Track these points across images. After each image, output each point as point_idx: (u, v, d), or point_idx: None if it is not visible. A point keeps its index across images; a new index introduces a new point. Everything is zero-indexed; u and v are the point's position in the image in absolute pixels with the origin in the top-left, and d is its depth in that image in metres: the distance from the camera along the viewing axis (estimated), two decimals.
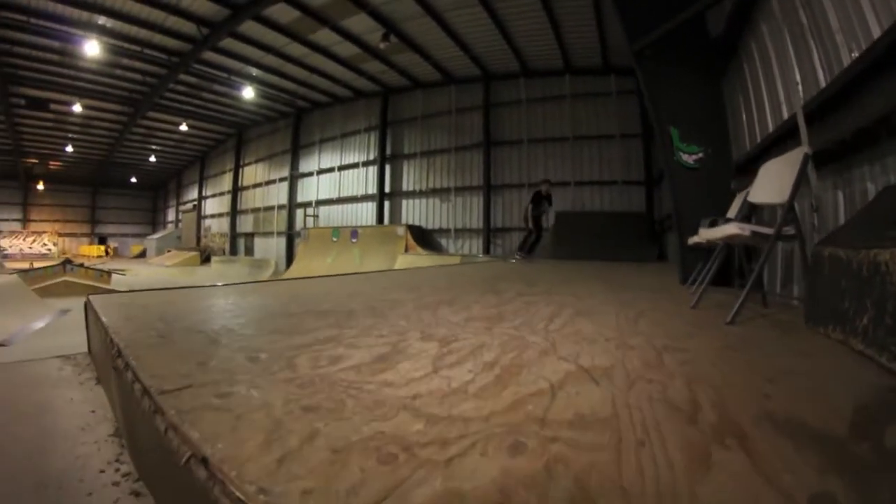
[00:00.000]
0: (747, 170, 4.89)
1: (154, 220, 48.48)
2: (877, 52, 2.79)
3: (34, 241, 40.54)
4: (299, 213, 26.57)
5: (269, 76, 21.20)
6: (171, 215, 44.50)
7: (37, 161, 35.95)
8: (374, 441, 1.05)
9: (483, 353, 1.94)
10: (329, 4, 14.95)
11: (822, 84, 3.80)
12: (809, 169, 2.82)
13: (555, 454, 0.99)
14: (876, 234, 1.99)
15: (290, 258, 25.51)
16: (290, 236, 26.83)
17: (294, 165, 27.03)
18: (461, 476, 0.89)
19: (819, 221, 3.73)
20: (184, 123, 27.94)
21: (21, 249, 38.83)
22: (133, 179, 43.39)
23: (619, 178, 16.87)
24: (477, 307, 3.37)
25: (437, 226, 20.87)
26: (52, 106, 23.73)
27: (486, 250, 18.51)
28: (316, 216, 25.55)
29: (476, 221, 19.56)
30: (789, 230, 2.81)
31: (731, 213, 4.38)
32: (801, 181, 2.62)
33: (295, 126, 26.90)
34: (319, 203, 25.68)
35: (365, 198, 23.32)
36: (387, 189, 22.43)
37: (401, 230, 19.54)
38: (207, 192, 36.40)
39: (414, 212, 21.65)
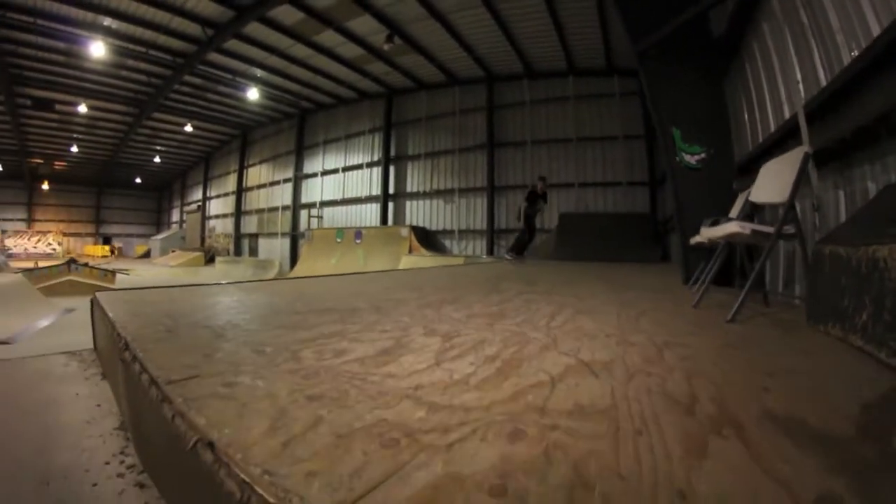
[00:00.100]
0: (749, 170, 4.90)
1: (158, 221, 48.61)
2: (876, 50, 2.81)
3: (39, 240, 40.71)
4: (303, 213, 26.66)
5: (273, 77, 21.29)
6: (175, 216, 44.63)
7: (42, 161, 36.11)
8: (376, 427, 1.07)
9: (485, 348, 1.96)
10: (333, 6, 15.01)
11: (823, 83, 3.82)
12: (810, 168, 2.83)
13: (554, 441, 1.01)
14: (875, 231, 2.01)
15: (294, 259, 25.59)
16: (295, 237, 26.91)
17: (298, 166, 27.10)
18: (461, 461, 0.91)
19: (820, 221, 3.74)
20: (188, 124, 28.05)
21: (26, 249, 39.01)
22: (138, 180, 43.58)
23: (623, 179, 16.88)
24: (479, 305, 3.38)
25: (440, 227, 20.89)
26: (58, 106, 23.87)
27: (490, 251, 18.53)
28: (320, 217, 25.60)
29: (480, 222, 19.58)
30: (790, 229, 2.82)
31: (733, 213, 4.38)
32: (801, 180, 2.63)
33: (299, 127, 26.98)
34: (323, 204, 25.75)
35: (369, 199, 23.39)
36: (391, 190, 22.49)
37: (405, 231, 19.57)
38: (212, 192, 36.51)
39: (418, 213, 21.69)
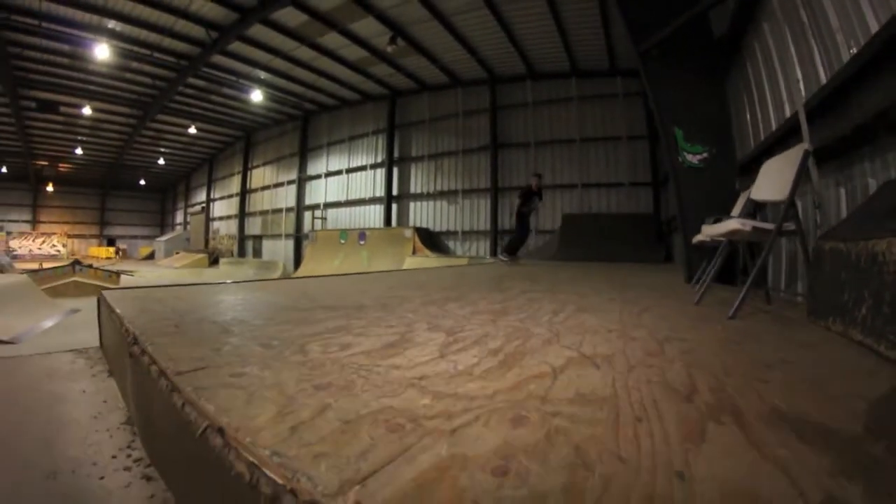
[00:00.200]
0: (751, 169, 4.92)
1: (162, 223, 48.72)
2: (874, 47, 2.83)
3: (43, 242, 40.83)
4: (307, 215, 26.68)
5: (277, 79, 21.32)
6: (179, 217, 44.70)
7: (47, 163, 36.24)
8: (382, 414, 1.09)
9: (488, 342, 1.98)
10: (337, 8, 15.04)
11: (824, 82, 3.84)
12: (811, 166, 2.86)
13: (555, 426, 1.04)
14: (874, 226, 2.03)
15: (297, 260, 25.60)
16: (298, 239, 26.93)
17: (302, 168, 27.15)
18: (465, 443, 0.93)
19: (821, 218, 3.76)
20: (192, 126, 28.08)
21: (30, 250, 39.14)
22: (142, 182, 43.71)
23: (626, 179, 16.87)
24: (483, 303, 3.41)
25: (444, 228, 20.91)
26: (62, 109, 23.91)
27: (494, 252, 18.49)
28: (324, 218, 25.63)
29: (483, 223, 19.59)
30: (790, 226, 2.84)
31: (735, 211, 4.39)
32: (801, 177, 2.65)
33: (303, 129, 27.03)
34: (327, 205, 25.78)
35: (373, 200, 23.41)
36: (394, 191, 22.52)
37: (408, 232, 19.57)
38: (216, 194, 36.57)
39: (421, 214, 21.71)
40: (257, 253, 30.37)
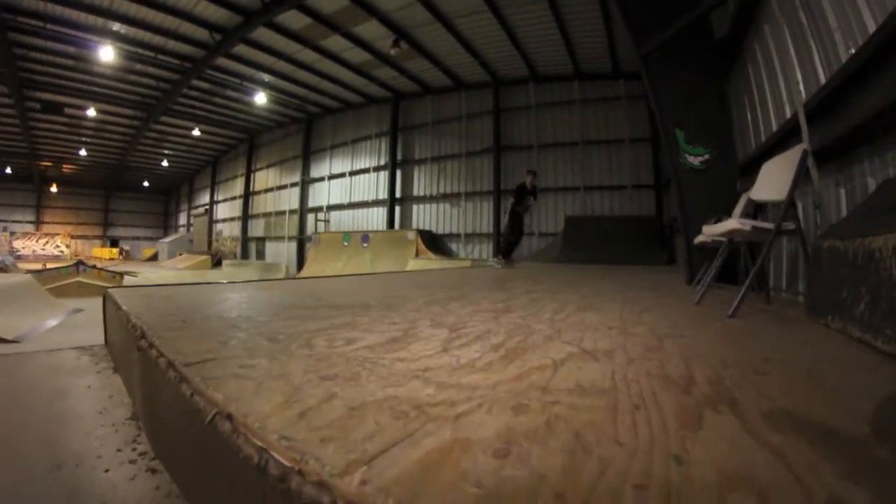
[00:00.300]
0: (752, 170, 4.94)
1: (166, 224, 48.84)
2: (872, 47, 2.86)
3: (47, 242, 40.95)
4: (310, 217, 26.70)
5: (280, 82, 21.39)
6: (182, 219, 44.80)
7: (51, 164, 36.39)
8: (387, 402, 1.12)
9: (490, 338, 2.01)
10: (340, 11, 15.09)
11: (823, 82, 3.86)
12: (811, 167, 2.88)
13: (555, 414, 1.06)
14: (872, 224, 2.05)
15: (300, 262, 25.63)
16: (302, 241, 26.97)
17: (305, 170, 27.20)
18: (468, 429, 0.96)
19: (821, 218, 3.78)
20: (196, 128, 28.17)
21: (34, 251, 39.27)
22: (146, 183, 43.85)
23: (629, 182, 16.85)
24: (485, 302, 3.43)
25: (447, 230, 20.91)
26: (67, 110, 24.01)
27: (497, 254, 18.51)
28: (327, 221, 25.66)
29: (486, 226, 19.59)
30: (789, 225, 2.86)
31: (736, 212, 4.41)
32: (800, 177, 2.68)
33: (306, 131, 27.09)
34: (331, 208, 25.81)
35: (376, 203, 23.43)
36: (398, 194, 22.52)
37: (411, 235, 19.57)
38: (219, 196, 36.66)
39: (424, 216, 21.73)
40: (260, 255, 30.42)
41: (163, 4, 14.90)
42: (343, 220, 25.04)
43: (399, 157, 22.63)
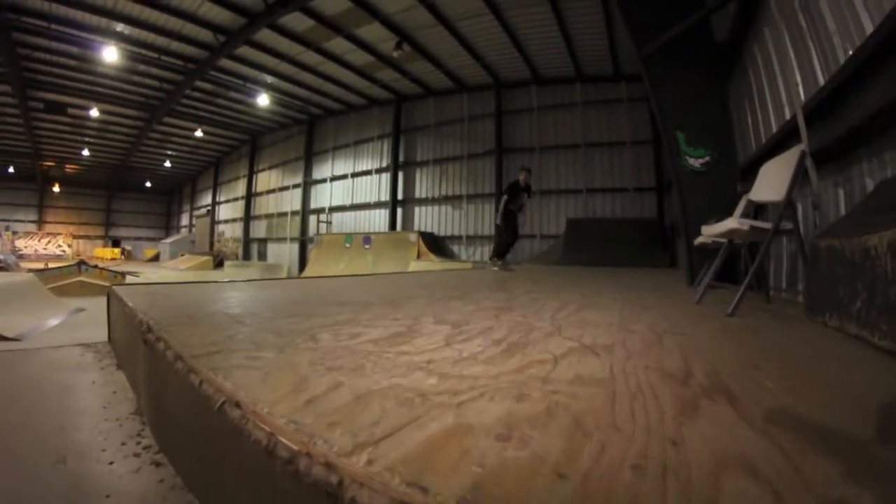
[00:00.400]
0: (752, 172, 4.97)
1: (168, 225, 48.87)
2: (869, 48, 2.89)
3: (49, 242, 41.00)
4: (312, 219, 26.70)
5: (283, 84, 21.41)
6: (184, 220, 44.82)
7: (54, 164, 36.46)
8: (392, 390, 1.15)
9: (492, 333, 2.04)
10: (343, 13, 15.12)
11: (822, 84, 3.90)
12: (810, 168, 2.91)
13: (555, 402, 1.09)
14: (868, 222, 2.08)
15: (302, 264, 25.63)
16: (303, 242, 26.98)
17: (307, 172, 27.21)
18: (471, 415, 0.99)
19: (820, 219, 3.81)
20: (199, 129, 28.20)
21: (36, 250, 39.30)
22: (148, 184, 43.92)
23: (631, 184, 16.85)
24: (487, 301, 3.45)
25: (449, 232, 20.91)
26: (70, 110, 24.08)
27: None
28: (329, 222, 25.68)
29: (488, 228, 19.56)
30: (787, 225, 2.89)
31: (736, 214, 4.44)
32: (798, 177, 2.71)
33: (309, 133, 27.11)
34: (332, 209, 25.82)
35: (378, 204, 23.44)
36: (399, 196, 22.52)
37: (413, 237, 19.57)
38: (221, 197, 36.68)
39: (426, 219, 21.73)
40: (262, 256, 30.44)
41: (167, 5, 14.94)
42: (345, 222, 25.06)
43: (401, 158, 22.64)
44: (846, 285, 2.12)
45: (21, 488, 1.28)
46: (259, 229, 31.33)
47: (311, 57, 18.29)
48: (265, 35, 16.66)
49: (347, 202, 25.02)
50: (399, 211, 22.43)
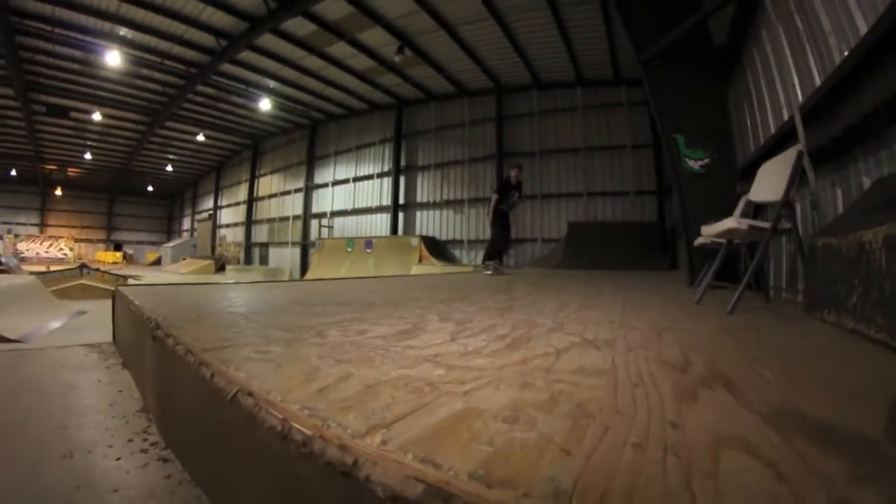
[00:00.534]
0: (752, 173, 5.01)
1: (169, 229, 48.90)
2: (864, 48, 2.94)
3: (51, 245, 41.03)
4: (314, 223, 26.76)
5: (285, 88, 21.49)
6: (186, 224, 44.88)
7: (55, 167, 36.56)
8: (401, 380, 1.19)
9: (496, 330, 2.08)
10: (345, 18, 15.21)
11: (818, 85, 3.95)
12: (808, 168, 2.94)
13: (559, 390, 1.13)
14: (864, 219, 2.12)
15: (304, 268, 25.65)
16: (305, 246, 27.03)
17: (309, 177, 27.28)
18: (478, 401, 1.03)
19: (819, 218, 3.85)
20: (201, 134, 28.29)
21: (38, 253, 39.33)
22: (150, 188, 44.05)
23: (631, 188, 16.90)
24: (489, 302, 3.48)
25: (450, 237, 20.96)
26: (73, 114, 24.11)
27: (500, 261, 18.46)
28: (331, 227, 25.73)
29: (489, 232, 19.54)
30: (786, 224, 2.93)
31: (735, 214, 4.47)
32: (795, 177, 2.75)
33: (311, 138, 27.19)
34: (334, 214, 25.88)
35: (379, 209, 23.50)
36: (401, 200, 22.58)
37: (415, 241, 19.60)
38: (223, 201, 36.74)
39: (428, 223, 21.78)
40: (264, 260, 30.47)
41: (169, 10, 15.03)
42: (347, 227, 25.10)
43: (402, 163, 22.72)
44: (843, 281, 2.15)
45: (29, 482, 1.30)
46: (261, 233, 31.38)
47: (313, 62, 18.37)
48: (267, 40, 16.73)
49: (349, 206, 25.07)
50: (401, 215, 22.49)
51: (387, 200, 23.05)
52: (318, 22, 15.46)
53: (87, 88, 21.59)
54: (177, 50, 17.65)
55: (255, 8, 14.87)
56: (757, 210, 4.40)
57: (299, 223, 27.64)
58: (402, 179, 22.70)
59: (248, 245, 31.99)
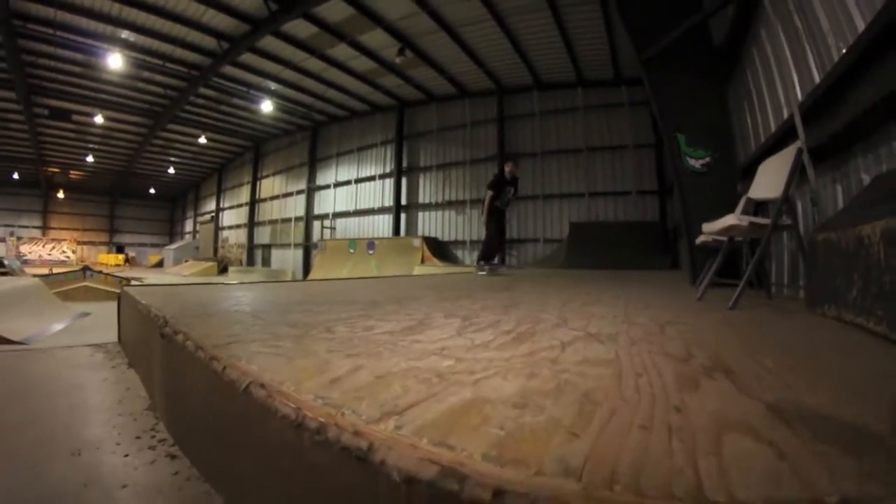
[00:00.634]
0: (752, 171, 5.04)
1: (171, 231, 49.01)
2: (861, 45, 2.97)
3: (53, 248, 41.19)
4: (316, 224, 26.86)
5: (287, 90, 21.58)
6: (188, 226, 44.97)
7: (58, 170, 36.69)
8: (411, 371, 1.21)
9: (501, 325, 2.11)
10: (346, 20, 15.27)
11: (817, 83, 3.98)
12: (808, 165, 2.97)
13: (565, 379, 1.16)
14: (862, 214, 2.15)
15: (306, 269, 25.74)
16: (307, 248, 27.11)
17: (311, 178, 27.37)
18: (487, 390, 1.05)
19: (819, 215, 3.88)
20: (202, 136, 28.36)
21: (40, 256, 39.49)
22: (152, 190, 44.16)
23: (633, 188, 16.97)
24: (493, 300, 3.50)
25: (452, 238, 21.03)
26: (75, 117, 24.29)
27: (502, 261, 18.54)
28: (333, 228, 25.80)
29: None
30: (786, 220, 2.95)
31: (736, 212, 4.50)
32: (795, 173, 2.78)
33: (312, 139, 27.28)
34: (336, 215, 25.97)
35: (381, 210, 23.59)
36: (403, 201, 22.67)
37: (417, 242, 19.66)
38: (225, 203, 36.83)
39: (430, 224, 21.86)
40: (266, 262, 30.55)
41: (171, 12, 15.12)
42: (349, 228, 25.18)
43: (404, 164, 22.80)
44: (843, 276, 2.18)
45: (37, 478, 1.30)
46: (263, 235, 31.48)
47: (314, 63, 18.44)
48: (269, 42, 16.81)
49: (351, 208, 25.16)
50: (403, 216, 22.56)
51: (389, 201, 23.12)
52: (319, 24, 15.53)
53: (89, 91, 21.69)
54: (178, 52, 17.73)
55: (257, 10, 14.93)
56: (758, 208, 4.42)
57: (301, 225, 27.72)
58: (403, 180, 22.78)
59: (251, 247, 32.07)
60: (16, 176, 36.55)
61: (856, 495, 0.59)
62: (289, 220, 29.05)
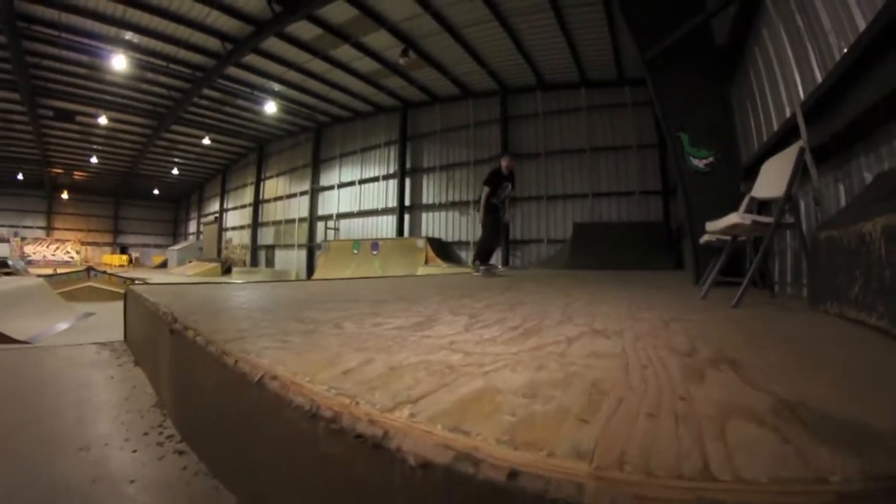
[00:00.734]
0: (755, 171, 5.06)
1: (175, 232, 49.03)
2: (862, 45, 2.99)
3: (57, 248, 41.20)
4: (320, 225, 26.87)
5: (290, 91, 21.61)
6: (192, 227, 45.02)
7: (62, 171, 36.73)
8: (422, 364, 1.24)
9: (507, 322, 2.14)
10: (350, 21, 15.29)
11: (819, 82, 4.00)
12: (810, 165, 2.99)
13: (573, 371, 1.18)
14: (864, 211, 2.17)
15: (310, 270, 25.71)
16: (311, 249, 27.12)
17: (315, 179, 27.39)
18: (497, 381, 1.08)
19: (822, 214, 3.90)
20: (206, 137, 28.47)
21: (44, 256, 39.50)
22: (156, 191, 44.11)
23: (636, 188, 16.97)
24: (499, 298, 3.53)
25: (456, 238, 21.03)
26: (79, 118, 24.32)
27: (506, 262, 18.56)
28: (336, 229, 25.81)
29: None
30: (789, 219, 2.97)
31: (740, 212, 4.51)
32: (797, 172, 2.80)
33: (316, 140, 27.30)
34: (340, 216, 25.98)
35: (385, 211, 23.60)
36: (407, 202, 22.69)
37: (420, 242, 19.68)
38: (229, 204, 36.86)
39: (433, 224, 21.86)
40: (270, 263, 30.57)
41: (175, 14, 15.16)
42: (352, 229, 25.21)
43: (408, 165, 22.81)
44: (845, 273, 2.20)
45: (46, 473, 1.32)
46: (267, 236, 31.49)
47: (318, 65, 18.47)
48: (272, 43, 16.85)
49: (355, 209, 25.18)
50: (406, 217, 22.58)
51: (392, 202, 23.15)
52: (323, 25, 15.56)
53: (94, 92, 21.75)
54: (182, 54, 17.78)
55: (261, 12, 14.96)
56: (761, 207, 4.43)
57: (305, 225, 27.74)
58: (407, 181, 22.79)
59: (255, 247, 32.09)
60: (20, 177, 36.55)
61: (859, 475, 0.61)
62: (292, 220, 29.08)
